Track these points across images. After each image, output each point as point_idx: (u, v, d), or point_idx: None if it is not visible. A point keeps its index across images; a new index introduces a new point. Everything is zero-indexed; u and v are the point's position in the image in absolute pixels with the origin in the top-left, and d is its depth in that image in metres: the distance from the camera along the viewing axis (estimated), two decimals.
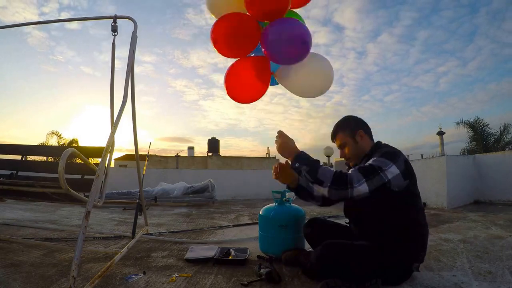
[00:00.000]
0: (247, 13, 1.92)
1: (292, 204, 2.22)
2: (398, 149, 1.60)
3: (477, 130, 13.49)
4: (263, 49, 1.89)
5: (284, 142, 1.60)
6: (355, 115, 1.81)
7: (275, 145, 1.62)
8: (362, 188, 1.38)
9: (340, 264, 1.45)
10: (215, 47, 1.92)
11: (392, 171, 1.44)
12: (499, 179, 5.14)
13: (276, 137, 1.64)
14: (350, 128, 1.73)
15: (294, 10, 2.14)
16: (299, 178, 1.86)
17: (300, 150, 1.56)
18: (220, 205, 6.35)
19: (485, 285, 1.55)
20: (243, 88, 2.07)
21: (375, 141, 1.74)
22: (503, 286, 1.54)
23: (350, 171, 1.44)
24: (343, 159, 1.81)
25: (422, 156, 18.28)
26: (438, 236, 2.76)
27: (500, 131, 13.09)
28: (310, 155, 1.53)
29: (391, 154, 1.51)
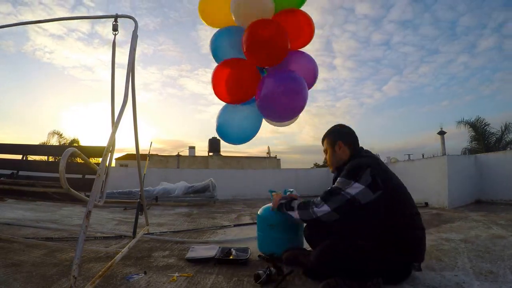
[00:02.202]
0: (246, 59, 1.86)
1: None
2: (371, 159, 1.71)
3: (478, 130, 13.47)
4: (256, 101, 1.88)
5: (274, 201, 1.97)
6: (344, 125, 1.96)
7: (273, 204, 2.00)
8: (324, 208, 1.60)
9: (340, 264, 1.48)
10: (214, 92, 1.90)
11: (355, 186, 1.56)
12: (500, 178, 5.13)
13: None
14: (332, 138, 1.91)
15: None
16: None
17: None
18: (221, 205, 6.35)
19: (487, 285, 1.55)
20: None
21: (360, 147, 1.87)
22: (504, 286, 1.53)
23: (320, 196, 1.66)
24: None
25: (423, 156, 18.27)
26: (439, 236, 2.75)
27: (502, 131, 13.07)
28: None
29: (355, 171, 1.61)
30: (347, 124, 1.97)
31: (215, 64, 1.99)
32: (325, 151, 1.95)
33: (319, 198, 1.65)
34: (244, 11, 1.65)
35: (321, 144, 2.02)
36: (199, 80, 42.47)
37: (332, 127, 1.98)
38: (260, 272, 1.64)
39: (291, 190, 2.23)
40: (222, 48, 1.90)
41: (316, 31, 2.02)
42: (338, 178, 1.66)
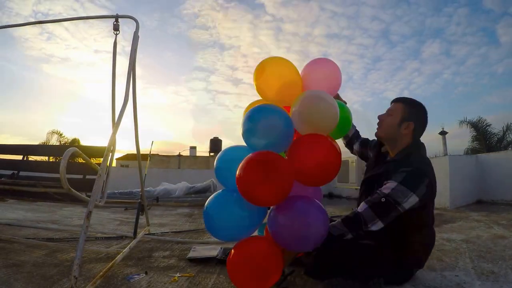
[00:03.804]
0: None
1: None
2: (430, 167, 1.50)
3: (480, 130, 13.44)
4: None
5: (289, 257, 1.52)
6: (424, 106, 1.66)
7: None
8: (376, 227, 1.39)
9: (341, 263, 1.43)
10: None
11: (411, 201, 1.38)
12: (502, 178, 5.12)
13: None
14: (408, 112, 1.61)
15: None
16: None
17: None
18: None
19: (488, 285, 1.54)
20: None
21: (421, 142, 1.64)
22: (505, 286, 1.53)
23: (361, 208, 1.42)
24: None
25: None
26: (440, 236, 2.74)
27: (503, 131, 13.03)
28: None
29: (415, 178, 1.41)
30: None
31: None
32: (390, 114, 1.65)
33: (369, 211, 1.40)
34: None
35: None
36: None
37: (415, 101, 1.66)
38: None
39: None
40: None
41: None
42: (396, 185, 1.40)
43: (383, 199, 1.40)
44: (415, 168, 1.44)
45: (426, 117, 1.65)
